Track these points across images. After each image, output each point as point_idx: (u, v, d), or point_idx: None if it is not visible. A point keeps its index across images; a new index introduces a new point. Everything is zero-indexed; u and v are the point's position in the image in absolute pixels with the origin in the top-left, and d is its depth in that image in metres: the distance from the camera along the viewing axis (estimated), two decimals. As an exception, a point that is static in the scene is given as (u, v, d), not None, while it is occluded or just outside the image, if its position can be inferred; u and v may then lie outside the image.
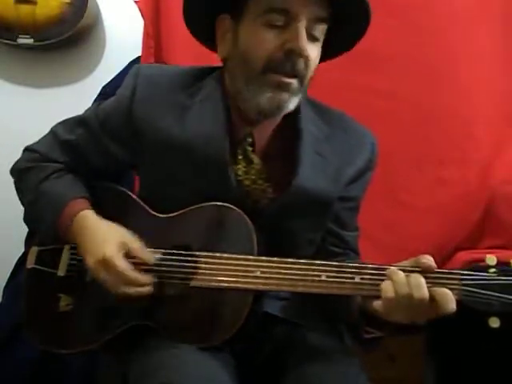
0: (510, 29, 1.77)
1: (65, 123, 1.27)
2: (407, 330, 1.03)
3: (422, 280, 0.97)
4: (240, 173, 1.16)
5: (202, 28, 1.19)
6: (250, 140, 1.17)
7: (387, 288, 0.98)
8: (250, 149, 1.17)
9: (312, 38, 1.09)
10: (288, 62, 1.08)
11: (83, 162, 1.23)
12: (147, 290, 1.08)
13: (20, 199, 1.26)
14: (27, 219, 1.26)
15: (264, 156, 1.18)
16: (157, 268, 1.11)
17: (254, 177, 1.17)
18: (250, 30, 1.10)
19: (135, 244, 1.11)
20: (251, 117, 1.15)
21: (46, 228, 1.18)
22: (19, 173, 1.27)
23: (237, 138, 1.17)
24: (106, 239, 1.10)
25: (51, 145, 1.25)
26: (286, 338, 1.17)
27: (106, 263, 1.07)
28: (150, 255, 1.11)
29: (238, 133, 1.17)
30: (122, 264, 1.07)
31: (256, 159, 1.17)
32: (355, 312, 1.08)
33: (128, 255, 1.09)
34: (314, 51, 1.10)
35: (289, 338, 1.16)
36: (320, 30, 1.10)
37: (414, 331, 1.07)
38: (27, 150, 1.28)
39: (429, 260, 1.00)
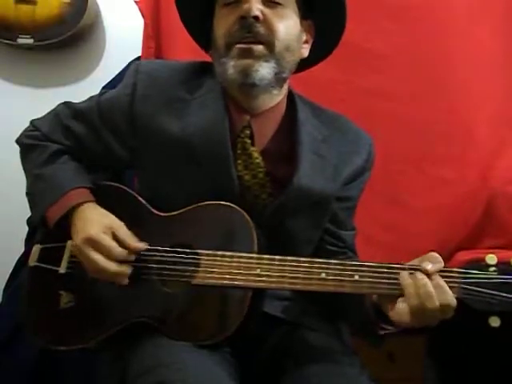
0: (510, 29, 1.77)
1: (69, 107, 1.26)
2: (414, 331, 1.04)
3: (432, 290, 0.97)
4: (240, 168, 1.17)
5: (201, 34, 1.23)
6: (248, 132, 1.17)
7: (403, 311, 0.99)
8: (248, 141, 1.17)
9: (271, 3, 1.12)
10: (243, 29, 1.11)
11: (84, 153, 1.24)
12: (125, 270, 1.09)
13: (24, 172, 1.27)
14: (27, 195, 1.25)
15: (264, 152, 1.18)
16: (157, 265, 1.11)
17: (253, 171, 1.17)
18: (216, 17, 1.17)
19: (122, 232, 1.12)
20: (244, 105, 1.17)
21: (38, 211, 1.18)
22: (22, 148, 1.27)
23: (235, 131, 1.17)
24: (93, 223, 1.12)
25: (53, 126, 1.25)
26: (286, 338, 1.16)
27: (91, 240, 1.09)
28: (137, 243, 1.11)
29: (237, 126, 1.18)
30: (107, 239, 1.09)
31: (255, 153, 1.17)
32: (370, 309, 1.08)
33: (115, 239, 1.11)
34: (276, 15, 1.13)
35: (289, 338, 1.16)
36: None
37: (420, 331, 1.07)
38: (31, 124, 1.29)
39: (432, 262, 1.00)
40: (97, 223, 1.12)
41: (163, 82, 1.19)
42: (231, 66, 1.12)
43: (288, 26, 1.14)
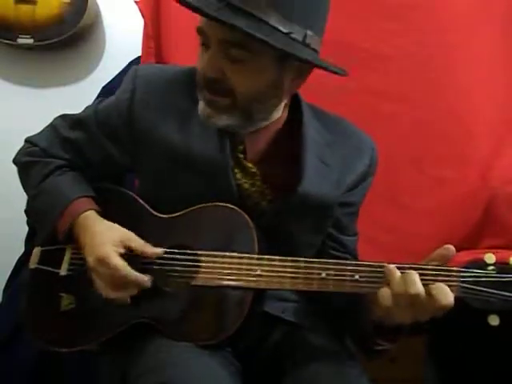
0: (510, 30, 1.77)
1: (65, 119, 1.26)
2: (413, 332, 1.03)
3: (416, 276, 0.97)
4: (238, 176, 1.16)
5: None
6: (241, 147, 1.17)
7: (384, 294, 0.99)
8: (241, 156, 1.17)
9: (232, 59, 1.04)
10: (208, 83, 1.07)
11: (84, 162, 1.23)
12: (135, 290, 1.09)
13: (24, 191, 1.26)
14: (28, 212, 1.26)
15: (260, 159, 1.18)
16: (158, 267, 1.11)
17: (251, 180, 1.17)
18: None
19: (134, 242, 1.11)
20: None
21: (46, 226, 1.18)
22: (22, 166, 1.27)
23: (232, 143, 1.16)
24: (104, 240, 1.11)
25: (52, 140, 1.24)
26: (287, 338, 1.17)
27: (101, 262, 1.08)
28: (154, 249, 1.11)
29: (234, 138, 1.16)
30: (117, 261, 1.08)
31: (249, 164, 1.17)
32: (366, 326, 1.08)
33: (129, 253, 1.10)
34: (239, 70, 1.04)
35: (290, 338, 1.16)
36: (240, 53, 1.03)
37: (419, 332, 1.07)
38: (27, 141, 1.28)
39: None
40: (107, 240, 1.11)
41: (162, 87, 1.18)
42: (200, 107, 1.10)
43: (254, 80, 1.06)
